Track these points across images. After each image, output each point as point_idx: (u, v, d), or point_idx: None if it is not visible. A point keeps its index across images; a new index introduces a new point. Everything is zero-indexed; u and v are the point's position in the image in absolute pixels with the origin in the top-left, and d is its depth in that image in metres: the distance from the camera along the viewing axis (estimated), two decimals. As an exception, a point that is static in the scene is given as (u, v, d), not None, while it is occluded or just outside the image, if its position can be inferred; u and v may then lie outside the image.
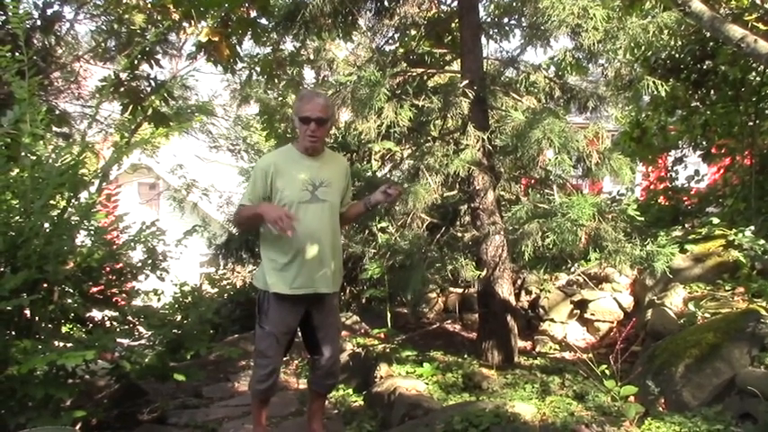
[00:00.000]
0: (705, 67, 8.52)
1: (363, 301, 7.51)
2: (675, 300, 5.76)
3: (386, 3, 6.30)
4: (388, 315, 6.59)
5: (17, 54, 4.49)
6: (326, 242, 3.87)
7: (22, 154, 4.32)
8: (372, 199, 4.05)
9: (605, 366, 4.38)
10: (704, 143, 9.36)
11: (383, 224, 6.50)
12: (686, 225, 7.80)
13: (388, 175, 6.74)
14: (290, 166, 3.86)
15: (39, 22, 7.79)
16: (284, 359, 4.82)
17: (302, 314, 3.95)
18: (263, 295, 3.92)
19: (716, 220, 7.06)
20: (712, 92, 8.86)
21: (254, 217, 3.83)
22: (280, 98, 10.01)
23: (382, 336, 6.63)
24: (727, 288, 5.77)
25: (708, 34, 7.76)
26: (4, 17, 7.16)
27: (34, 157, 4.29)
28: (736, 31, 3.91)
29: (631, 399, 4.22)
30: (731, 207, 7.95)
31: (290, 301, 3.87)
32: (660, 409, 4.19)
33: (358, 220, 5.77)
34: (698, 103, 9.07)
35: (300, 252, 3.80)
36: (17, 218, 4.08)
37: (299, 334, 4.16)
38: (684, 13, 4.12)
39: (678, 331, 5.07)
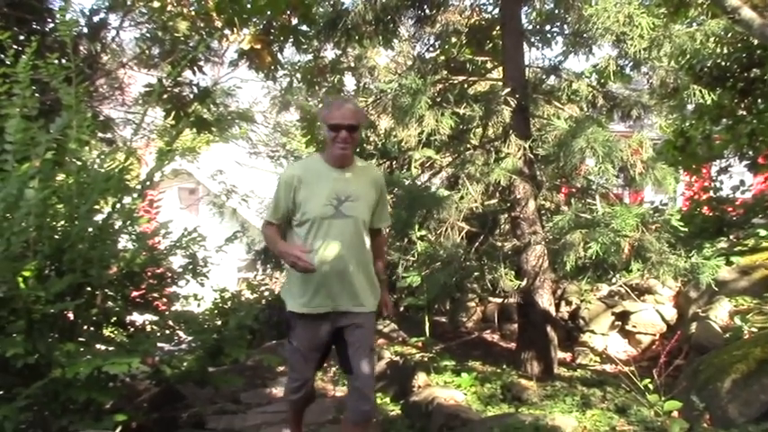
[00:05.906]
0: (752, 75, 8.37)
1: (401, 309, 7.49)
2: (720, 313, 5.64)
3: (427, 11, 6.28)
4: (427, 324, 6.56)
5: (65, 61, 4.55)
6: (351, 259, 3.62)
7: (69, 159, 4.38)
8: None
9: (649, 380, 4.31)
10: (750, 153, 9.16)
11: (422, 232, 6.46)
12: (731, 236, 7.65)
13: (428, 183, 6.71)
14: (315, 178, 3.64)
15: (85, 30, 7.93)
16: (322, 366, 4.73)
17: (329, 331, 3.73)
18: (290, 312, 3.76)
19: (763, 232, 6.90)
20: (759, 100, 8.69)
21: (274, 251, 3.87)
22: (320, 105, 10.06)
23: (420, 345, 6.60)
24: (774, 302, 5.64)
25: (755, 42, 7.63)
26: (52, 24, 7.30)
27: (80, 163, 4.35)
28: (788, 39, 3.83)
29: (675, 414, 4.14)
30: (779, 219, 7.78)
31: (312, 319, 3.69)
32: (705, 425, 4.09)
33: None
34: (744, 112, 8.90)
35: (320, 269, 3.56)
36: (63, 222, 4.14)
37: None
38: (734, 20, 4.06)
39: (723, 345, 4.97)
